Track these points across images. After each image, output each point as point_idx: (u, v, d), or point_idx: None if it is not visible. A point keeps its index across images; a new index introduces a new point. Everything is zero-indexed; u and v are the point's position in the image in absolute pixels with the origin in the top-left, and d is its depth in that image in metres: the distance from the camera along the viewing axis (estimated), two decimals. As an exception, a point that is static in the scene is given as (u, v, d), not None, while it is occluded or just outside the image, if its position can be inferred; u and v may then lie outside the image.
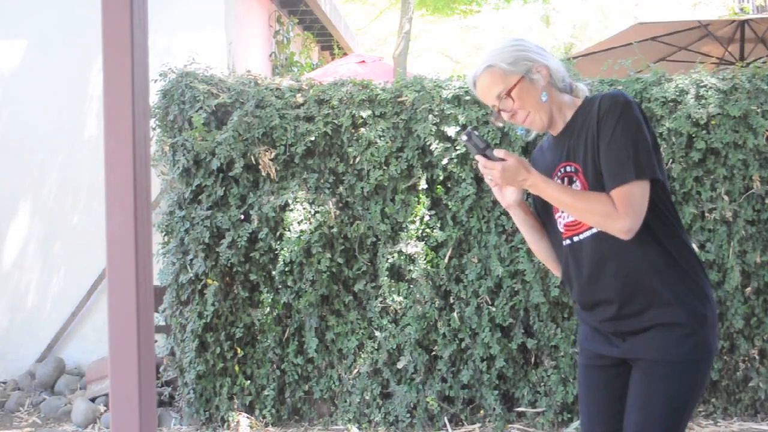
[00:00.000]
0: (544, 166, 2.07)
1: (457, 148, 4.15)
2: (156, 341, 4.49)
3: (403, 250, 4.20)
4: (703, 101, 4.13)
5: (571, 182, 1.98)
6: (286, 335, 4.30)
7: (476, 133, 1.97)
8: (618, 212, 1.82)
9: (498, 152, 1.93)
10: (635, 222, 1.83)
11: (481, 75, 1.99)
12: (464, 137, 1.97)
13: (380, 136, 4.21)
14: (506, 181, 1.94)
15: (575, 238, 1.99)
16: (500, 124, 2.07)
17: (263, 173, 4.24)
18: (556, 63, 2.01)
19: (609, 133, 1.86)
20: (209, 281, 4.23)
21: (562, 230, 2.03)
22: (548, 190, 1.91)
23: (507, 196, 2.05)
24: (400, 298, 4.20)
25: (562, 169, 2.00)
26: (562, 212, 2.01)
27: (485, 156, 1.94)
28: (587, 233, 1.96)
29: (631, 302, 1.92)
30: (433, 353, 4.22)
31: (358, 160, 4.24)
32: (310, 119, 4.28)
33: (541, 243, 2.14)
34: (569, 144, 1.98)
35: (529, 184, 1.93)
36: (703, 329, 1.88)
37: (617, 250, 1.91)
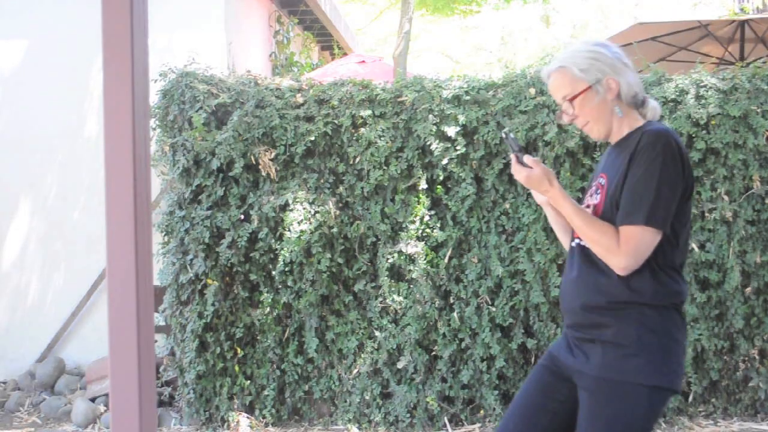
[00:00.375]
0: (599, 168, 2.13)
1: (457, 148, 4.15)
2: (156, 341, 4.49)
3: (403, 250, 4.20)
4: (703, 101, 4.13)
5: (596, 191, 2.04)
6: (286, 335, 4.30)
7: (512, 136, 2.10)
8: (620, 249, 1.86)
9: (528, 159, 2.02)
10: (633, 264, 1.86)
11: (554, 73, 2.03)
12: (502, 135, 2.14)
13: (380, 136, 4.21)
14: (530, 187, 2.05)
15: (578, 241, 2.05)
16: (562, 122, 2.10)
17: (263, 173, 4.24)
18: (631, 78, 2.00)
19: (638, 170, 1.87)
20: (209, 281, 4.23)
21: None
22: (564, 206, 1.99)
23: (538, 195, 2.17)
24: (400, 298, 4.20)
25: (598, 179, 2.06)
26: None
27: (517, 158, 2.06)
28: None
29: (590, 315, 1.95)
30: (433, 353, 4.22)
31: (358, 160, 4.24)
32: (310, 119, 4.28)
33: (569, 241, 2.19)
34: (611, 159, 2.02)
35: (550, 196, 2.02)
36: (652, 355, 1.86)
37: (599, 264, 1.94)
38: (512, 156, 2.08)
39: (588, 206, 2.05)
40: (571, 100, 1.99)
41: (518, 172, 2.03)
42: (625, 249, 1.85)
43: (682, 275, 1.98)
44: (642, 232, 1.84)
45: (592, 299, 1.94)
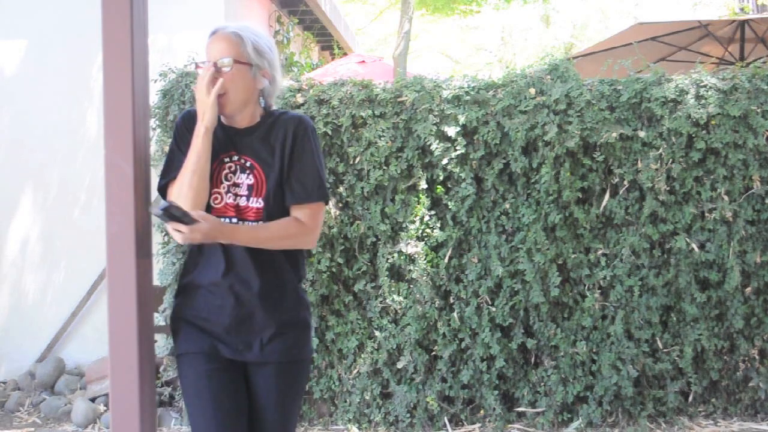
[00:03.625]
0: (223, 147, 2.15)
1: (457, 148, 4.15)
2: (156, 341, 4.49)
3: (403, 250, 4.20)
4: (703, 101, 4.13)
5: (243, 171, 2.12)
6: (286, 335, 4.29)
7: (159, 210, 1.91)
8: (308, 227, 2.10)
9: (196, 215, 1.97)
10: (317, 237, 2.17)
11: (227, 35, 2.09)
12: (151, 211, 1.93)
13: (380, 136, 4.21)
14: (212, 240, 2.03)
15: (239, 221, 2.12)
16: (204, 74, 2.10)
17: (263, 173, 4.24)
18: (281, 85, 2.23)
19: (306, 155, 2.11)
20: (209, 281, 4.23)
21: (218, 206, 2.12)
22: (240, 234, 2.06)
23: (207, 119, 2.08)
24: (400, 298, 4.20)
25: (231, 158, 2.13)
26: (231, 191, 2.11)
27: (184, 222, 1.95)
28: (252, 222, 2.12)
29: None
30: (433, 353, 4.22)
31: (358, 160, 4.24)
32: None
33: (204, 181, 2.09)
34: (246, 141, 2.14)
35: (230, 239, 2.05)
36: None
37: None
38: (174, 225, 1.95)
39: (237, 184, 2.10)
40: (236, 62, 2.07)
41: (195, 232, 1.96)
42: (312, 225, 2.11)
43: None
44: (320, 207, 2.14)
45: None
